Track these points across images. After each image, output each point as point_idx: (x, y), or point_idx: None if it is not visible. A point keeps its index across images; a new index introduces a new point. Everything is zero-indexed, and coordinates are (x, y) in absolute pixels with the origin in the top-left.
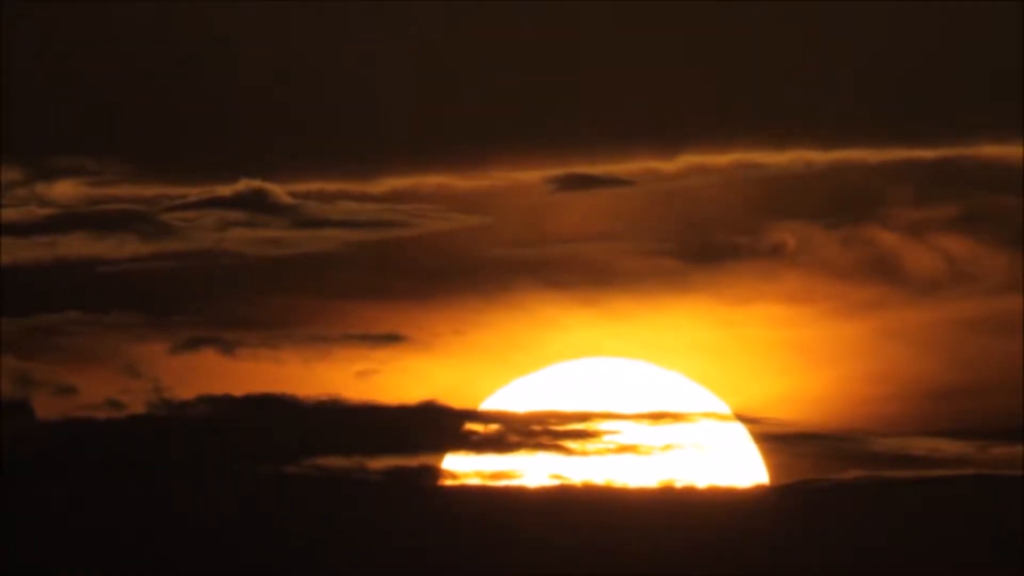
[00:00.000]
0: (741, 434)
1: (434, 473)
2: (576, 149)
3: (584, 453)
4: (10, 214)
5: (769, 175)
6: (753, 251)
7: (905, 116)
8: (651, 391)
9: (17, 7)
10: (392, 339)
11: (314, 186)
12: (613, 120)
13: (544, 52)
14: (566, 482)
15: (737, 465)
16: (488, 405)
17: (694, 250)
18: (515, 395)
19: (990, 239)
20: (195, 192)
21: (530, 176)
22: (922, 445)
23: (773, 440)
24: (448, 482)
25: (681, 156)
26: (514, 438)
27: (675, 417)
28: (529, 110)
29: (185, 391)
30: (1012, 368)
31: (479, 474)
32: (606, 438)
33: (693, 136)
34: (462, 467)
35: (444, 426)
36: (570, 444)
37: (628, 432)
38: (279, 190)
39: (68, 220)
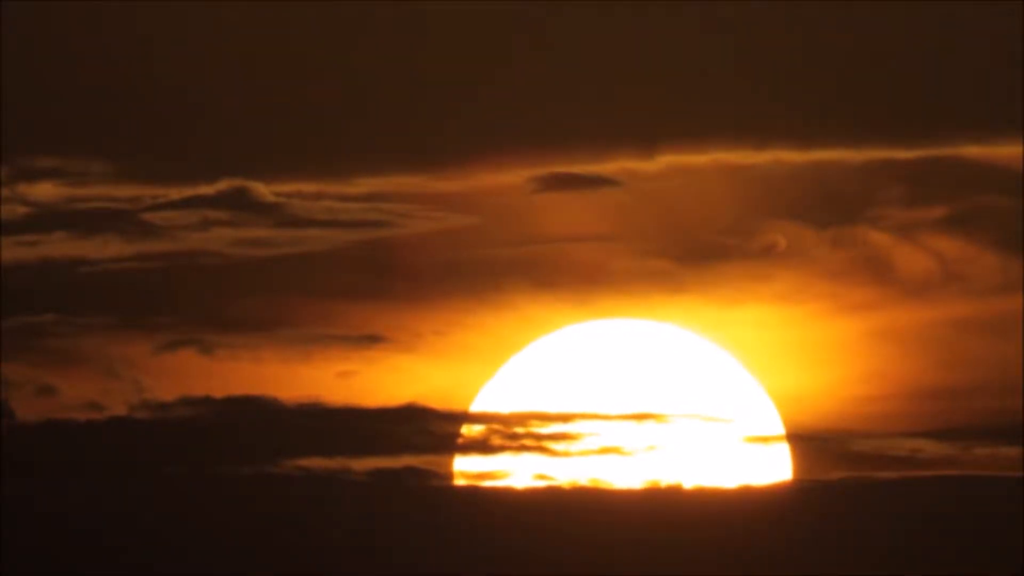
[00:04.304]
0: (728, 434)
1: (419, 474)
2: (554, 149)
3: (568, 454)
4: None
5: (758, 176)
6: (744, 252)
7: (891, 116)
8: (639, 389)
9: None
10: (374, 340)
11: (293, 187)
12: (589, 120)
13: (522, 52)
14: (553, 483)
15: (724, 465)
16: (473, 406)
17: (684, 251)
18: (502, 392)
19: (981, 240)
20: (177, 192)
21: (513, 176)
22: (907, 446)
23: (761, 441)
24: (434, 483)
25: (659, 156)
26: (498, 440)
27: (659, 417)
28: (505, 110)
29: (166, 392)
30: (1001, 369)
31: (464, 475)
32: (591, 439)
33: (669, 136)
34: (448, 469)
35: (427, 428)
36: (554, 445)
37: (613, 432)
38: (263, 189)
39: (50, 220)
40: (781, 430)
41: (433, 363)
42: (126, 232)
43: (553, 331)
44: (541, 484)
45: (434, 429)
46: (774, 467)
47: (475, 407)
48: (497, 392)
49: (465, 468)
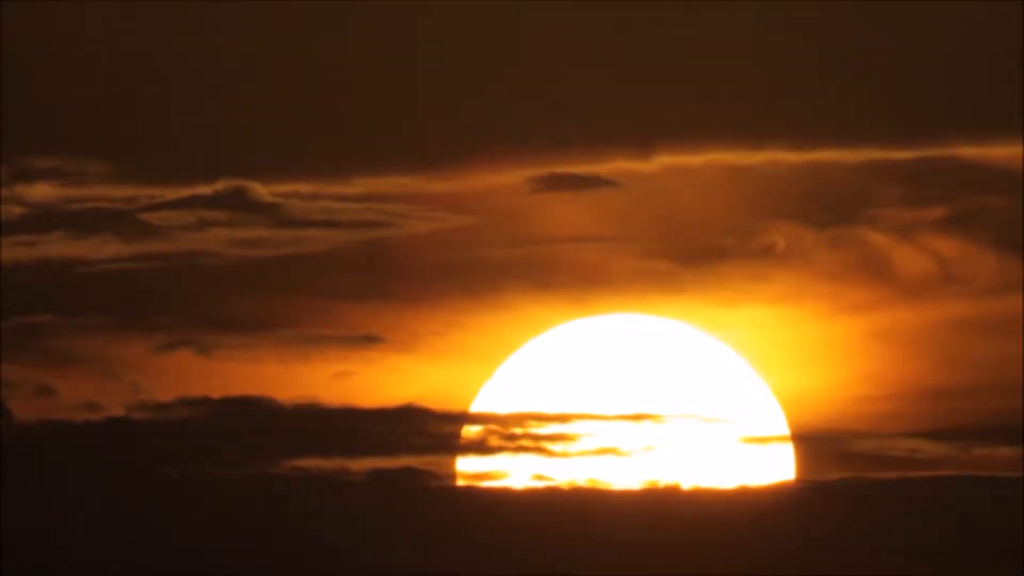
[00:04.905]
0: (727, 434)
1: (418, 475)
2: (551, 149)
3: (566, 455)
4: None
5: (755, 176)
6: (743, 252)
7: (889, 116)
8: (637, 389)
9: None
10: (372, 340)
11: (290, 187)
12: (586, 121)
13: (520, 52)
14: (551, 483)
15: (722, 466)
16: (472, 406)
17: (683, 251)
18: (500, 393)
19: (980, 240)
20: (174, 192)
21: (511, 176)
22: (906, 446)
23: (760, 441)
24: (433, 483)
25: (656, 157)
26: (496, 440)
27: (656, 418)
28: (503, 110)
29: (163, 393)
30: (1001, 369)
31: (462, 475)
32: (588, 440)
33: (666, 136)
34: (446, 469)
35: (426, 429)
36: (552, 446)
37: (610, 433)
38: (260, 189)
39: (47, 221)
40: (784, 430)
41: (431, 363)
42: (124, 232)
43: (550, 329)
44: (539, 484)
45: (432, 430)
46: (775, 467)
47: (474, 407)
48: (495, 392)
49: (463, 469)
